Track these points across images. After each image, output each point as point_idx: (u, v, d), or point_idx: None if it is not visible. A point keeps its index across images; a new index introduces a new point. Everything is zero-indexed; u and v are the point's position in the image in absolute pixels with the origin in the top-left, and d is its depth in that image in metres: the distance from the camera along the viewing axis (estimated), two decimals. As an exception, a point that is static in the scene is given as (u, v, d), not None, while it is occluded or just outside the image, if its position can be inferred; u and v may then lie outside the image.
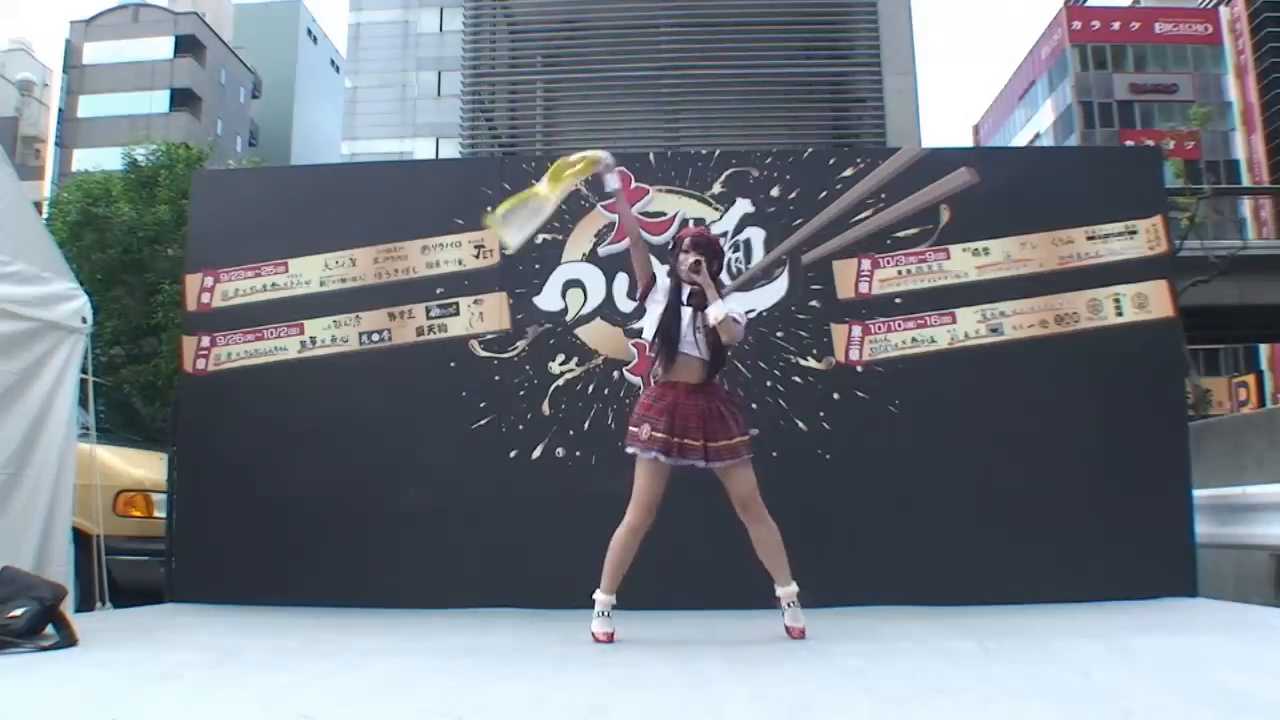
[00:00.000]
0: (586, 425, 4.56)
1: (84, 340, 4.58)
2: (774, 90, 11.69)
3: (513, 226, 3.57)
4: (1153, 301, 4.63)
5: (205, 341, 4.84)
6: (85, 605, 4.42)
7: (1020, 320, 4.61)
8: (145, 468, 5.18)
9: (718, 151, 4.94)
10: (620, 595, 3.39)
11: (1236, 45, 38.98)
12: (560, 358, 4.65)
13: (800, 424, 4.47)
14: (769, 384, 4.54)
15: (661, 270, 3.64)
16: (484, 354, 4.68)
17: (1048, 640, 3.21)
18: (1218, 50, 39.30)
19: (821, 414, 4.52)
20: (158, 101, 37.23)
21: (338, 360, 4.75)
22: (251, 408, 4.74)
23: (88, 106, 37.39)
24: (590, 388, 4.61)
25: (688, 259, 3.46)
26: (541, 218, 3.59)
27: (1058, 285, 4.62)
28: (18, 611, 3.13)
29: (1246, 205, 28.31)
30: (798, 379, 4.57)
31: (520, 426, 4.59)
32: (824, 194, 4.72)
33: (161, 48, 38.67)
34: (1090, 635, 3.28)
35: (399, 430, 4.61)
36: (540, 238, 4.76)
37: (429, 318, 4.74)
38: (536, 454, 4.56)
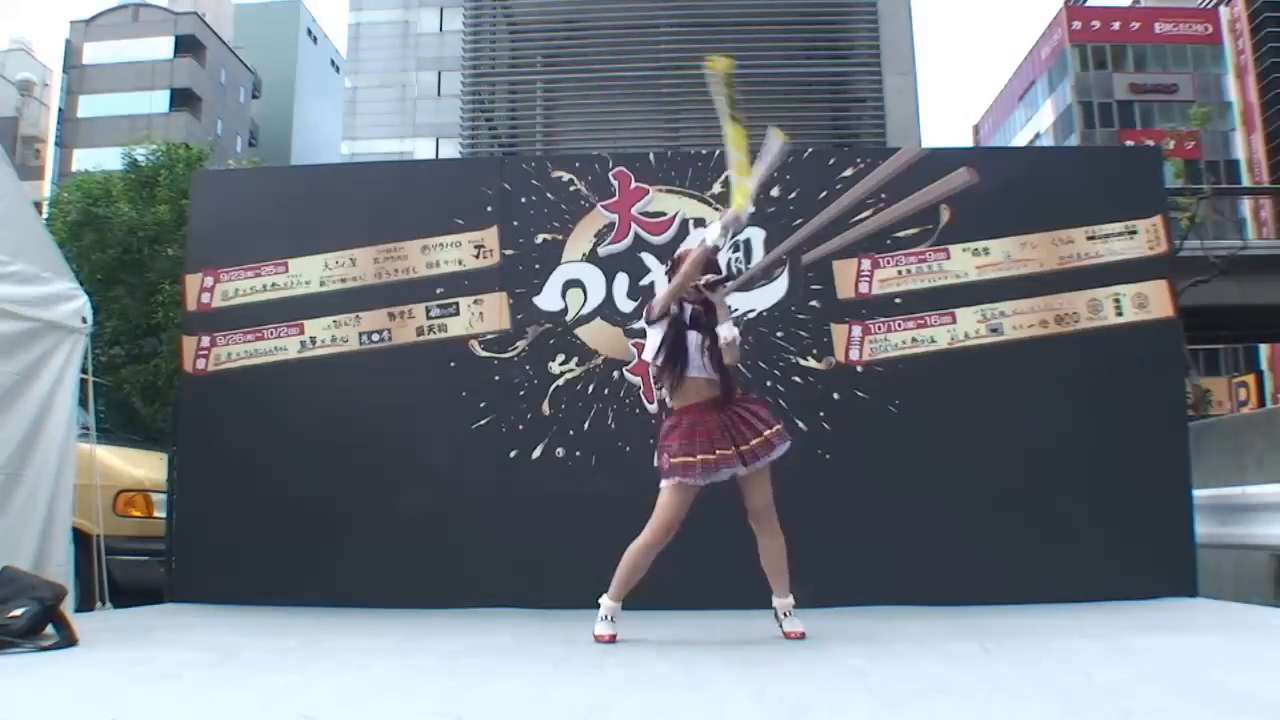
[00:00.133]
0: (586, 425, 4.56)
1: (84, 340, 4.58)
2: (774, 90, 11.69)
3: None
4: (1153, 301, 4.63)
5: (205, 341, 4.84)
6: (85, 605, 4.43)
7: (1020, 320, 4.61)
8: (145, 468, 5.18)
9: (718, 151, 4.92)
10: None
11: (1236, 45, 38.97)
12: (560, 358, 4.65)
13: (800, 424, 4.47)
14: (769, 384, 4.54)
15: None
16: (484, 354, 4.68)
17: (1048, 640, 3.21)
18: (1218, 50, 39.29)
19: (821, 414, 4.52)
20: (158, 101, 37.21)
21: (338, 360, 4.75)
22: (251, 408, 4.73)
23: (88, 106, 37.38)
24: (590, 388, 4.62)
25: (704, 275, 3.45)
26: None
27: (1058, 285, 4.63)
28: (18, 611, 3.13)
29: (1246, 205, 28.30)
30: (798, 379, 4.57)
31: (520, 426, 4.59)
32: (824, 194, 4.73)
33: (161, 48, 38.65)
34: (1090, 635, 3.28)
35: (399, 430, 4.62)
36: (540, 237, 4.78)
37: (429, 318, 4.74)
38: (536, 454, 4.56)
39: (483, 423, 4.60)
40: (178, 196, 13.72)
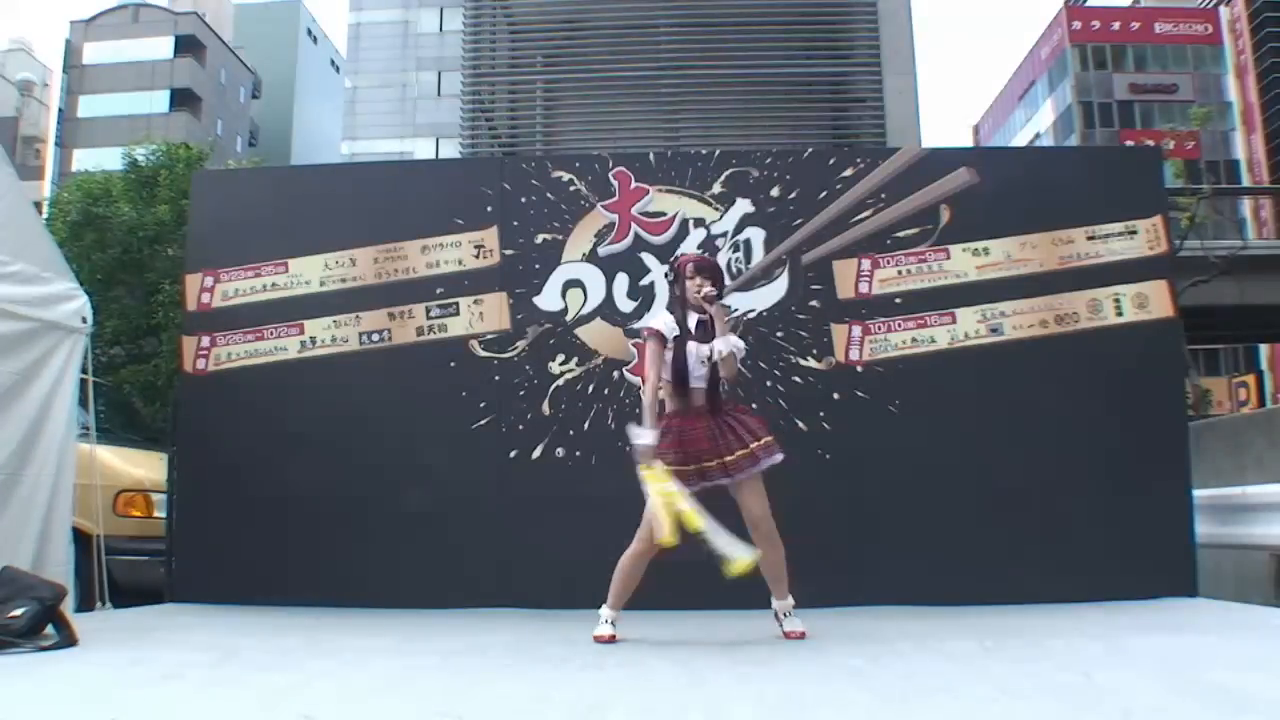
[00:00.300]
0: (586, 425, 4.56)
1: (84, 340, 4.58)
2: (774, 90, 11.71)
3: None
4: (1153, 301, 4.63)
5: (205, 341, 4.84)
6: (85, 605, 4.43)
7: (1020, 320, 4.61)
8: (145, 468, 5.18)
9: (718, 151, 4.95)
10: (621, 596, 3.39)
11: (1236, 45, 38.97)
12: (560, 358, 4.65)
13: (800, 424, 4.47)
14: (769, 384, 4.54)
15: (662, 319, 3.55)
16: (484, 354, 4.68)
17: (1048, 640, 3.21)
18: (1218, 50, 39.29)
19: (821, 414, 4.52)
20: (158, 101, 37.21)
21: (338, 360, 4.75)
22: (251, 408, 4.74)
23: (88, 106, 37.38)
24: (590, 388, 4.61)
25: (701, 286, 3.44)
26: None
27: (1058, 285, 4.63)
28: (18, 611, 3.13)
29: (1246, 205, 28.29)
30: (798, 379, 4.57)
31: (520, 426, 4.59)
32: (824, 194, 4.73)
33: (161, 48, 38.65)
34: (1090, 635, 3.28)
35: (399, 430, 4.62)
36: (540, 237, 4.78)
37: (429, 318, 4.74)
38: (536, 454, 4.56)
39: (483, 423, 4.60)
40: (178, 196, 13.74)
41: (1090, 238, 4.67)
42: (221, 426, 4.75)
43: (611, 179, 4.81)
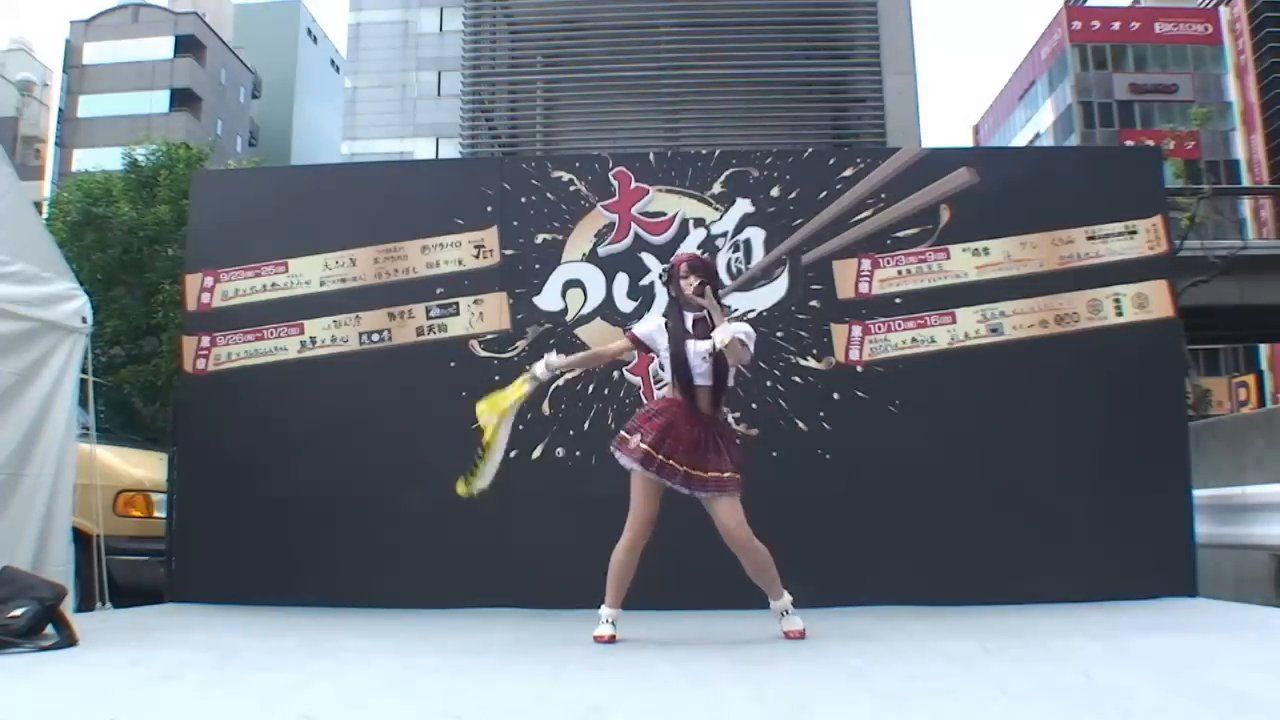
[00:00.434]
0: (586, 425, 4.56)
1: (84, 340, 4.58)
2: (774, 90, 11.70)
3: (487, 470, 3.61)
4: (1153, 301, 4.63)
5: (205, 341, 4.84)
6: (85, 605, 4.43)
7: (1020, 320, 4.61)
8: (145, 468, 5.18)
9: (718, 151, 4.94)
10: (621, 595, 3.39)
11: (1236, 45, 38.97)
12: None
13: (800, 424, 4.47)
14: (769, 384, 4.54)
15: (647, 325, 3.62)
16: (484, 354, 4.68)
17: (1048, 640, 3.21)
18: (1218, 50, 39.28)
19: (821, 414, 4.52)
20: (158, 101, 37.20)
21: (338, 360, 4.75)
22: (251, 408, 4.73)
23: (88, 106, 37.37)
24: (590, 388, 4.61)
25: (692, 282, 3.44)
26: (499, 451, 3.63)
27: (1058, 285, 4.62)
28: (18, 611, 3.13)
29: (1246, 205, 28.30)
30: (798, 379, 4.57)
31: (520, 426, 4.57)
32: (824, 194, 4.72)
33: (161, 48, 38.64)
34: (1090, 635, 3.28)
35: (399, 430, 4.61)
36: (540, 237, 4.78)
37: (429, 318, 4.74)
38: (536, 454, 4.56)
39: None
40: (178, 196, 13.72)
41: (1090, 238, 4.67)
42: (221, 426, 4.75)
43: (611, 179, 4.81)
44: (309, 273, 4.83)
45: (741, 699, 2.35)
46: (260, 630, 3.75)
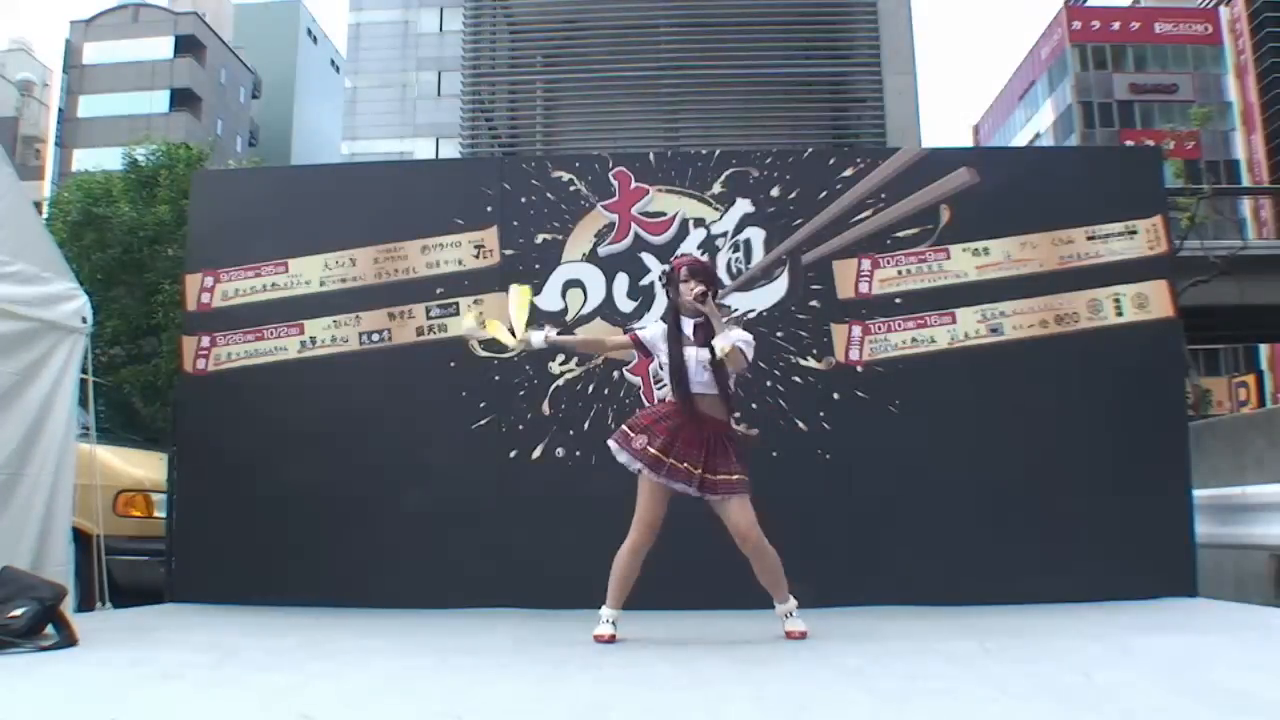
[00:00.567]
0: (586, 425, 4.56)
1: (84, 340, 4.58)
2: (774, 90, 11.70)
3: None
4: (1153, 301, 4.63)
5: (205, 341, 4.84)
6: (85, 605, 4.43)
7: (1020, 320, 4.61)
8: (145, 468, 5.18)
9: (718, 151, 4.94)
10: (621, 595, 3.39)
11: (1236, 45, 38.97)
12: (560, 358, 4.65)
13: (800, 424, 4.47)
14: (769, 384, 4.54)
15: (651, 330, 3.59)
16: (484, 354, 4.68)
17: (1048, 640, 3.21)
18: (1218, 50, 39.28)
19: (821, 414, 4.52)
20: (158, 101, 37.20)
21: (338, 360, 4.75)
22: (251, 408, 4.73)
23: (88, 106, 37.37)
24: (590, 388, 4.62)
25: (693, 288, 3.41)
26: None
27: (1058, 285, 4.62)
28: (18, 611, 3.13)
29: (1246, 205, 28.29)
30: (798, 379, 4.57)
31: (520, 426, 4.59)
32: (824, 194, 4.72)
33: (161, 48, 38.64)
34: (1090, 635, 3.28)
35: (399, 430, 4.62)
36: (540, 237, 4.78)
37: (429, 318, 4.74)
38: (536, 454, 4.56)
39: (483, 423, 4.60)
40: (178, 196, 13.72)
41: (1090, 238, 4.67)
42: (221, 426, 4.75)
43: (611, 179, 4.81)
44: (309, 273, 4.83)
45: (741, 699, 2.35)
46: (260, 630, 3.75)
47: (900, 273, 4.66)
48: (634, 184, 4.80)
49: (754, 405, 4.48)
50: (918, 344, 4.61)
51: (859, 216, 4.70)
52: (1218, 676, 2.46)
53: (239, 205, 5.14)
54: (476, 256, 4.77)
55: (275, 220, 4.97)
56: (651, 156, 4.95)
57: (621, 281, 4.71)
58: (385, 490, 4.54)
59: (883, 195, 4.70)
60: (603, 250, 4.75)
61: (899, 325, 4.62)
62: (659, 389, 4.38)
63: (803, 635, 3.33)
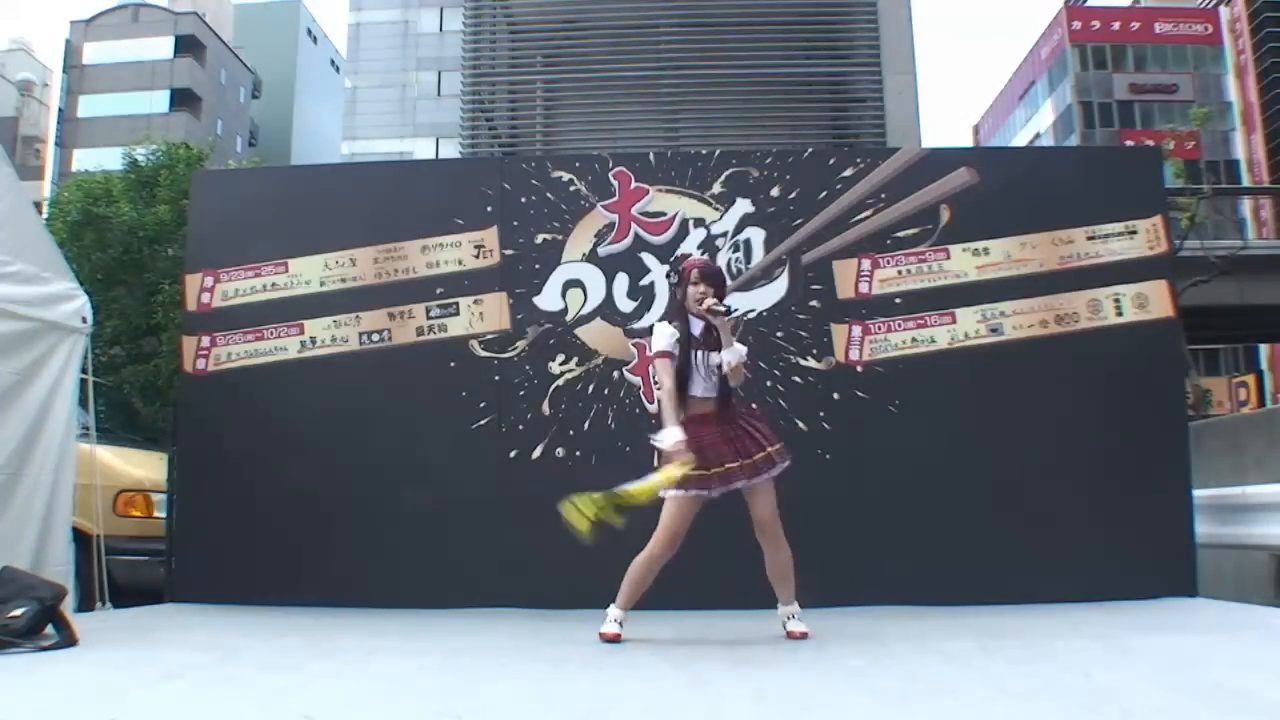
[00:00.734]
0: (586, 425, 4.56)
1: (84, 340, 4.58)
2: (774, 90, 11.70)
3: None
4: (1153, 301, 4.63)
5: (205, 341, 4.84)
6: (85, 605, 4.43)
7: (1020, 320, 4.61)
8: (145, 468, 5.18)
9: (718, 151, 4.94)
10: (621, 595, 3.39)
11: (1236, 45, 38.98)
12: (560, 358, 4.65)
13: (800, 424, 4.47)
14: (769, 384, 4.54)
15: (668, 339, 3.47)
16: (484, 354, 4.68)
17: (1048, 640, 3.21)
18: (1218, 50, 39.30)
19: (821, 414, 4.52)
20: (158, 101, 37.22)
21: (338, 360, 4.75)
22: (251, 408, 4.73)
23: (88, 106, 37.39)
24: (590, 388, 4.61)
25: (704, 294, 3.39)
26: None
27: (1058, 285, 4.62)
28: (18, 611, 3.13)
29: (1246, 205, 28.28)
30: (798, 379, 4.57)
31: (520, 426, 4.59)
32: (824, 194, 4.72)
33: (161, 48, 38.66)
34: (1090, 635, 3.28)
35: (399, 430, 4.62)
36: (540, 237, 4.78)
37: (429, 318, 4.74)
38: (536, 454, 4.56)
39: (483, 423, 4.60)
40: (178, 196, 13.71)
41: (1090, 238, 4.67)
42: (221, 426, 4.75)
43: (611, 179, 4.81)
44: (309, 273, 4.83)
45: (741, 699, 2.35)
46: (260, 630, 3.75)
47: (900, 273, 4.66)
48: (634, 184, 4.80)
49: (754, 405, 4.46)
50: (918, 344, 4.61)
51: (859, 216, 4.70)
52: (1218, 676, 2.46)
53: (239, 205, 5.14)
54: (476, 256, 4.77)
55: (275, 220, 4.96)
56: (651, 156, 4.95)
57: (621, 281, 4.71)
58: (385, 490, 4.53)
59: (883, 195, 4.70)
60: (603, 250, 4.75)
61: (899, 325, 4.62)
62: (659, 389, 4.37)
63: (804, 636, 3.33)
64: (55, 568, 4.10)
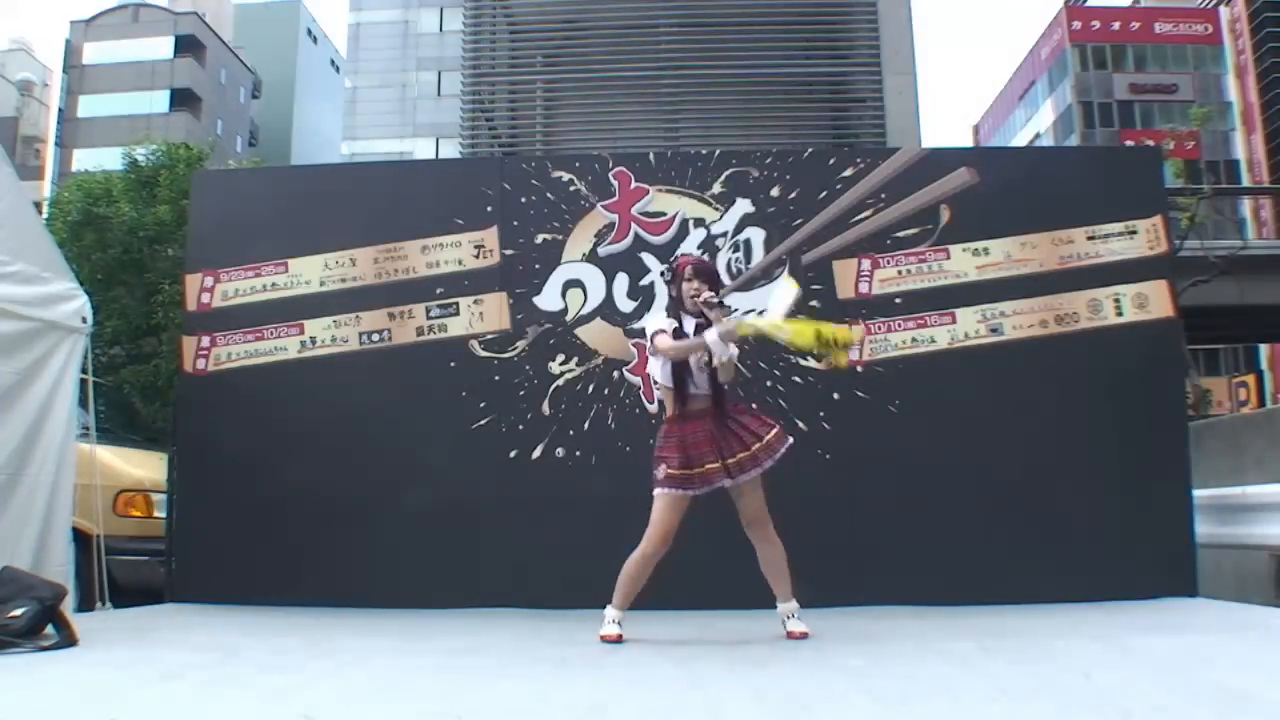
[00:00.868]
0: (586, 425, 4.56)
1: (84, 340, 4.58)
2: (774, 90, 11.70)
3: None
4: (1153, 301, 4.63)
5: (205, 341, 4.84)
6: (85, 605, 4.43)
7: (1020, 320, 4.61)
8: (145, 468, 5.18)
9: (718, 151, 4.95)
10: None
11: (1236, 45, 38.98)
12: (560, 358, 4.65)
13: (800, 424, 4.47)
14: (769, 384, 4.54)
15: (663, 319, 3.54)
16: (484, 354, 4.68)
17: (1048, 640, 3.21)
18: (1218, 50, 39.29)
19: (821, 414, 4.52)
20: (158, 101, 37.21)
21: (338, 360, 4.75)
22: (251, 408, 4.73)
23: (88, 106, 37.37)
24: (590, 388, 4.62)
25: (700, 290, 3.41)
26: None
27: (1058, 285, 4.63)
28: (18, 611, 3.13)
29: (1246, 205, 28.30)
30: (798, 379, 4.57)
31: (520, 426, 4.59)
32: (824, 194, 4.73)
33: (161, 48, 38.65)
34: (1090, 635, 3.28)
35: (399, 430, 4.62)
36: (540, 237, 4.78)
37: (429, 318, 4.74)
38: (536, 454, 4.56)
39: (483, 423, 4.60)
40: (178, 196, 13.70)
41: (1090, 238, 4.67)
42: (221, 426, 4.75)
43: (611, 179, 4.81)
44: (309, 273, 4.83)
45: (741, 699, 2.35)
46: (260, 630, 3.75)
47: (900, 273, 4.66)
48: (634, 184, 4.80)
49: (754, 405, 4.47)
50: (918, 344, 4.61)
51: (859, 216, 4.70)
52: (1218, 676, 2.46)
53: (239, 205, 5.14)
54: (476, 256, 4.77)
55: (275, 220, 4.97)
56: (651, 156, 4.95)
57: (621, 281, 4.71)
58: (385, 490, 4.54)
59: (883, 195, 4.70)
60: (603, 250, 4.75)
61: (899, 325, 4.62)
62: (658, 389, 4.38)
63: (804, 636, 3.33)
64: (55, 568, 4.10)
